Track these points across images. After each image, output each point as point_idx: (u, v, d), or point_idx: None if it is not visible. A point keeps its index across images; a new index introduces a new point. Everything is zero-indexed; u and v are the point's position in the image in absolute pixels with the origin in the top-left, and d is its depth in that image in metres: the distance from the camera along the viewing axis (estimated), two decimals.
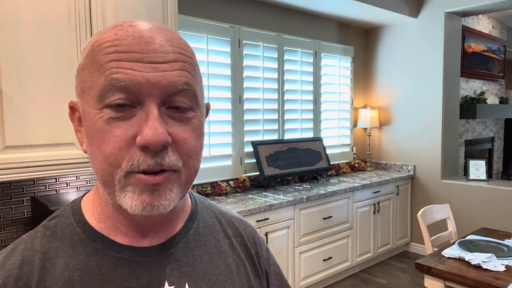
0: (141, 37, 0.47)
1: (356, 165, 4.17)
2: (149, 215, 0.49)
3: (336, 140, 4.08)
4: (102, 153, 0.47)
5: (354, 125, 4.30)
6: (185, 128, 0.49)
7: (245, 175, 3.22)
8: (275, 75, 3.44)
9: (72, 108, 0.54)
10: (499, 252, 2.06)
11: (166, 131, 0.46)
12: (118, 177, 0.47)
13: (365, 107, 4.37)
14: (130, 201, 0.47)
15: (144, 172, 0.47)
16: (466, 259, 1.95)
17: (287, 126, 3.57)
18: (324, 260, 3.16)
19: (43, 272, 0.50)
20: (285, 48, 3.50)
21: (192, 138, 0.50)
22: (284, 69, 3.50)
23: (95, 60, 0.48)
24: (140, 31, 0.48)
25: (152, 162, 0.46)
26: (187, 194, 0.62)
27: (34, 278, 0.49)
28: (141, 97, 0.46)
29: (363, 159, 4.30)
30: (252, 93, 3.28)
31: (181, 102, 0.49)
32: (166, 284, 0.53)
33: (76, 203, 0.57)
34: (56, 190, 2.00)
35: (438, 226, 3.53)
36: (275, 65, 3.43)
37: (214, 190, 3.01)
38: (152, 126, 0.45)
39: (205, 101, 0.58)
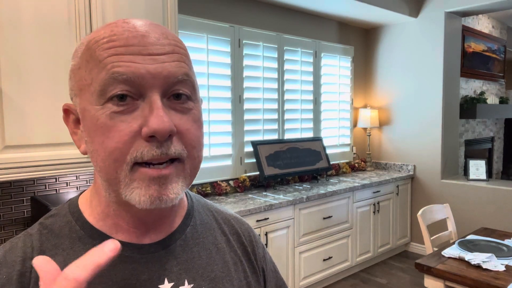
0: (137, 31, 0.48)
1: (356, 165, 4.17)
2: (155, 209, 0.49)
3: (336, 140, 4.08)
4: (106, 149, 0.47)
5: (354, 125, 4.30)
6: (187, 118, 0.50)
7: (245, 175, 3.22)
8: (275, 75, 3.44)
9: (66, 111, 0.53)
10: (499, 252, 2.06)
11: (171, 120, 0.47)
12: (124, 173, 0.47)
13: (365, 107, 4.37)
14: (138, 197, 0.47)
15: (149, 164, 0.47)
16: (466, 259, 1.95)
17: (287, 126, 3.57)
18: (324, 260, 3.16)
19: None
20: (285, 48, 3.50)
21: (194, 128, 0.51)
22: (284, 69, 3.50)
23: (93, 57, 0.48)
24: (135, 26, 0.48)
25: (158, 152, 0.46)
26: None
27: (33, 274, 0.49)
28: (143, 89, 0.47)
29: (363, 159, 4.30)
30: (252, 93, 3.28)
31: (181, 90, 0.49)
32: (166, 281, 0.53)
33: (73, 202, 0.57)
34: (56, 190, 2.00)
35: (438, 226, 3.53)
36: (275, 65, 3.43)
37: (214, 190, 3.01)
38: (157, 114, 0.45)
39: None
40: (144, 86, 0.47)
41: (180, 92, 0.49)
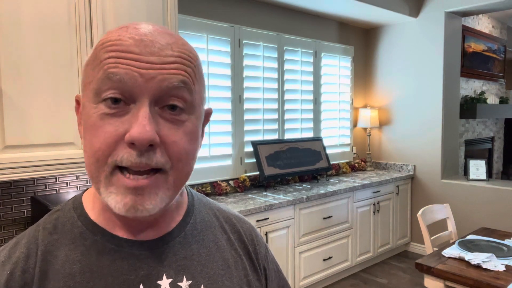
0: (141, 40, 0.48)
1: (356, 165, 4.17)
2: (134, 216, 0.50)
3: (336, 140, 4.08)
4: (91, 148, 0.48)
5: (354, 125, 4.30)
6: (176, 130, 0.49)
7: (245, 175, 3.22)
8: (275, 75, 3.44)
9: (78, 102, 0.55)
10: (499, 252, 2.06)
11: (154, 130, 0.47)
12: (104, 174, 0.48)
13: (365, 107, 4.37)
14: (114, 202, 0.48)
15: (128, 170, 0.47)
16: (466, 259, 1.95)
17: (287, 126, 3.57)
18: (324, 260, 3.16)
19: (44, 265, 0.51)
20: (285, 47, 3.50)
21: (184, 141, 0.50)
22: (284, 68, 3.50)
23: (97, 57, 0.49)
24: (142, 34, 0.49)
25: (137, 160, 0.46)
26: (184, 191, 0.63)
27: (37, 270, 0.50)
28: (135, 93, 0.47)
29: (363, 159, 4.30)
30: (252, 93, 3.28)
31: (176, 101, 0.49)
32: (164, 277, 0.54)
33: (77, 199, 0.58)
34: (56, 190, 2.00)
35: (438, 226, 3.53)
36: (275, 64, 3.43)
37: (214, 190, 3.01)
38: (140, 123, 0.46)
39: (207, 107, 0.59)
40: (136, 90, 0.47)
41: (174, 104, 0.49)
